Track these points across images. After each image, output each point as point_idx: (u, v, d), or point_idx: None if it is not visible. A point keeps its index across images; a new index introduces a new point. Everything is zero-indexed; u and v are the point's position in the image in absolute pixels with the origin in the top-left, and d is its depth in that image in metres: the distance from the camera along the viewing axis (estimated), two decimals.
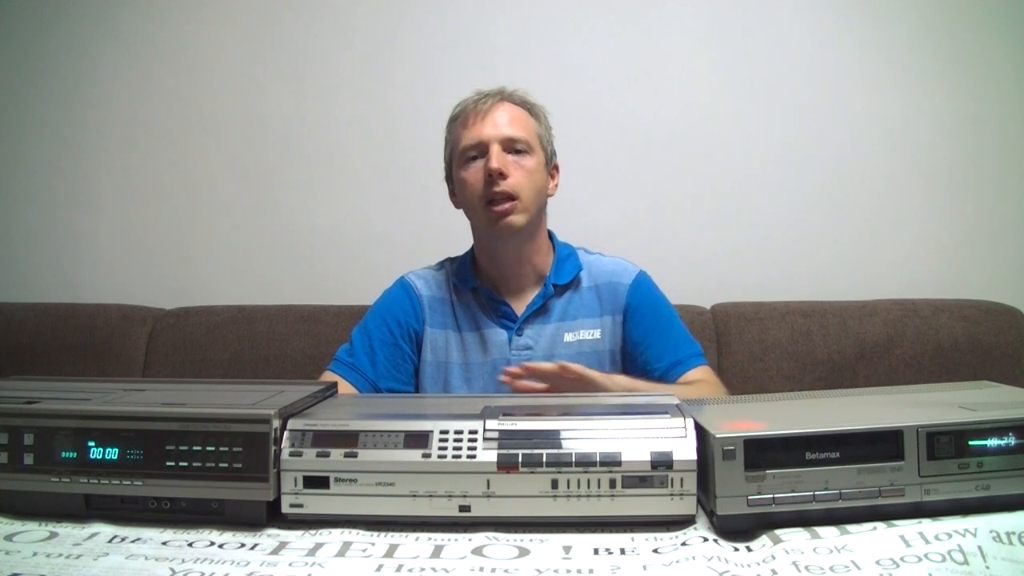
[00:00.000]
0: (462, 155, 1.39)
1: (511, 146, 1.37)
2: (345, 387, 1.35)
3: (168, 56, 2.23)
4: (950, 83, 2.04)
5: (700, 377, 1.37)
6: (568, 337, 1.41)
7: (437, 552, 0.78)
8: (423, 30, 2.15)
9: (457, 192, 1.43)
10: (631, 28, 2.11)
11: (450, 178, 1.46)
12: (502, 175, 1.33)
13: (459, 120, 1.41)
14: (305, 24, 2.19)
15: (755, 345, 1.86)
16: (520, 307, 1.43)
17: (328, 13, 2.18)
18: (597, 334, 1.42)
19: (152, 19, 2.23)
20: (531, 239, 1.42)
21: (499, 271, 1.44)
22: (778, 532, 0.78)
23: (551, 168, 1.46)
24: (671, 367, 1.38)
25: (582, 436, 0.84)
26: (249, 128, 2.21)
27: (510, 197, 1.34)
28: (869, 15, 2.06)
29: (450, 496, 0.83)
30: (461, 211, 1.45)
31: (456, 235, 1.51)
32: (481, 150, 1.36)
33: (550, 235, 1.50)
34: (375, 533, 0.82)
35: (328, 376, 1.39)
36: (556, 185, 1.48)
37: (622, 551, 0.78)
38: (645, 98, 2.11)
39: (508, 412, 0.88)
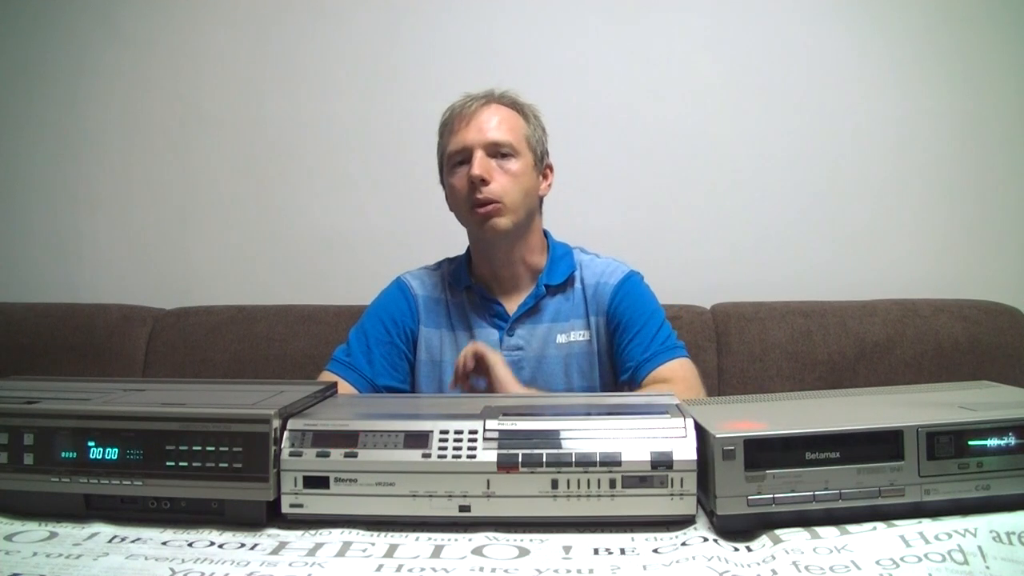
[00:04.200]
0: (449, 160, 1.39)
1: (495, 150, 1.36)
2: (344, 386, 1.35)
3: (168, 56, 2.23)
4: (950, 83, 2.04)
5: (669, 376, 1.32)
6: (560, 339, 1.41)
7: (437, 552, 0.78)
8: (423, 30, 2.15)
9: (447, 196, 1.44)
10: (630, 28, 2.11)
11: (443, 182, 1.46)
12: (484, 181, 1.33)
13: (448, 125, 1.41)
14: (305, 24, 2.19)
15: (755, 345, 1.85)
16: (512, 307, 1.43)
17: (328, 13, 2.18)
18: (587, 335, 1.41)
19: (152, 19, 2.23)
20: (522, 239, 1.42)
21: (492, 271, 1.44)
22: (778, 532, 0.78)
23: (543, 168, 1.44)
24: (640, 366, 1.34)
25: (582, 436, 0.84)
26: (249, 128, 2.21)
27: (493, 202, 1.34)
28: (869, 15, 2.06)
29: (450, 496, 0.83)
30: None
31: (455, 235, 1.51)
32: (466, 155, 1.36)
33: (546, 234, 1.49)
34: (375, 533, 0.82)
35: (326, 376, 1.39)
36: (550, 185, 1.47)
37: (622, 551, 0.78)
38: (645, 98, 2.11)
39: (508, 412, 0.88)
